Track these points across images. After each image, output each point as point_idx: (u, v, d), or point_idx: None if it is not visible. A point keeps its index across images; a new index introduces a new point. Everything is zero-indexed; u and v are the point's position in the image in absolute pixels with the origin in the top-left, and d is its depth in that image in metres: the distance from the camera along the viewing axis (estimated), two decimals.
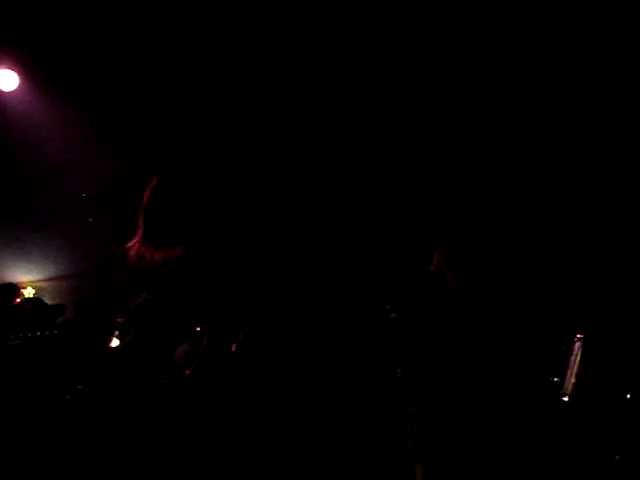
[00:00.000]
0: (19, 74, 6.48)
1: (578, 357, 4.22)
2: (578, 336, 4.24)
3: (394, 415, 3.79)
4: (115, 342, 5.38)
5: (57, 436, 4.61)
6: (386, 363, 3.93)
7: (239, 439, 3.26)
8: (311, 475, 3.48)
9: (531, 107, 5.52)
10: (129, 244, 3.37)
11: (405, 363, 3.83)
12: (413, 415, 3.67)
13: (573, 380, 4.18)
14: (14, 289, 6.15)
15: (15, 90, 6.49)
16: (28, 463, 4.39)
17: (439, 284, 3.81)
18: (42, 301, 6.04)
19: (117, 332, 5.33)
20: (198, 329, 4.17)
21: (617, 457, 4.04)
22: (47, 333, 5.04)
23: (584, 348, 4.23)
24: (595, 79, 5.31)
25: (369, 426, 4.15)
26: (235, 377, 3.31)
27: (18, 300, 5.87)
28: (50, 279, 7.15)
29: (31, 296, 6.81)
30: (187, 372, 3.40)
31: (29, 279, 7.12)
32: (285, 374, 3.30)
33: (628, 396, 4.16)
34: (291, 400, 3.28)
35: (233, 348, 3.39)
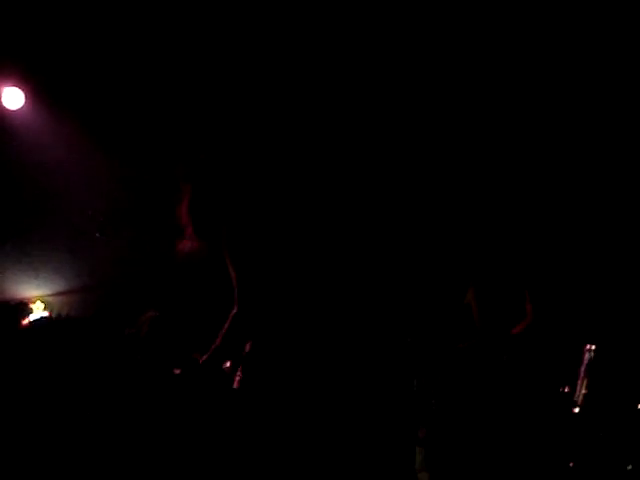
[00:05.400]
0: (25, 92, 6.52)
1: (588, 368, 4.19)
2: (588, 346, 4.22)
3: (405, 436, 3.79)
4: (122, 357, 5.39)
5: (64, 452, 4.61)
6: (403, 381, 3.93)
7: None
8: None
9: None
10: (179, 242, 3.50)
11: (420, 383, 3.83)
12: (423, 439, 3.66)
13: (584, 391, 4.15)
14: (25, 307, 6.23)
15: (21, 108, 6.55)
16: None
17: (466, 320, 3.83)
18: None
19: (125, 346, 5.33)
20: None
21: (629, 467, 4.01)
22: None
23: (594, 358, 4.20)
24: (595, 79, 5.30)
25: (378, 441, 4.13)
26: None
27: None
28: (59, 293, 7.20)
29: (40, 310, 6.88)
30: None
31: (38, 294, 7.16)
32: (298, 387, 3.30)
33: (639, 406, 4.14)
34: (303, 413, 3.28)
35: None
